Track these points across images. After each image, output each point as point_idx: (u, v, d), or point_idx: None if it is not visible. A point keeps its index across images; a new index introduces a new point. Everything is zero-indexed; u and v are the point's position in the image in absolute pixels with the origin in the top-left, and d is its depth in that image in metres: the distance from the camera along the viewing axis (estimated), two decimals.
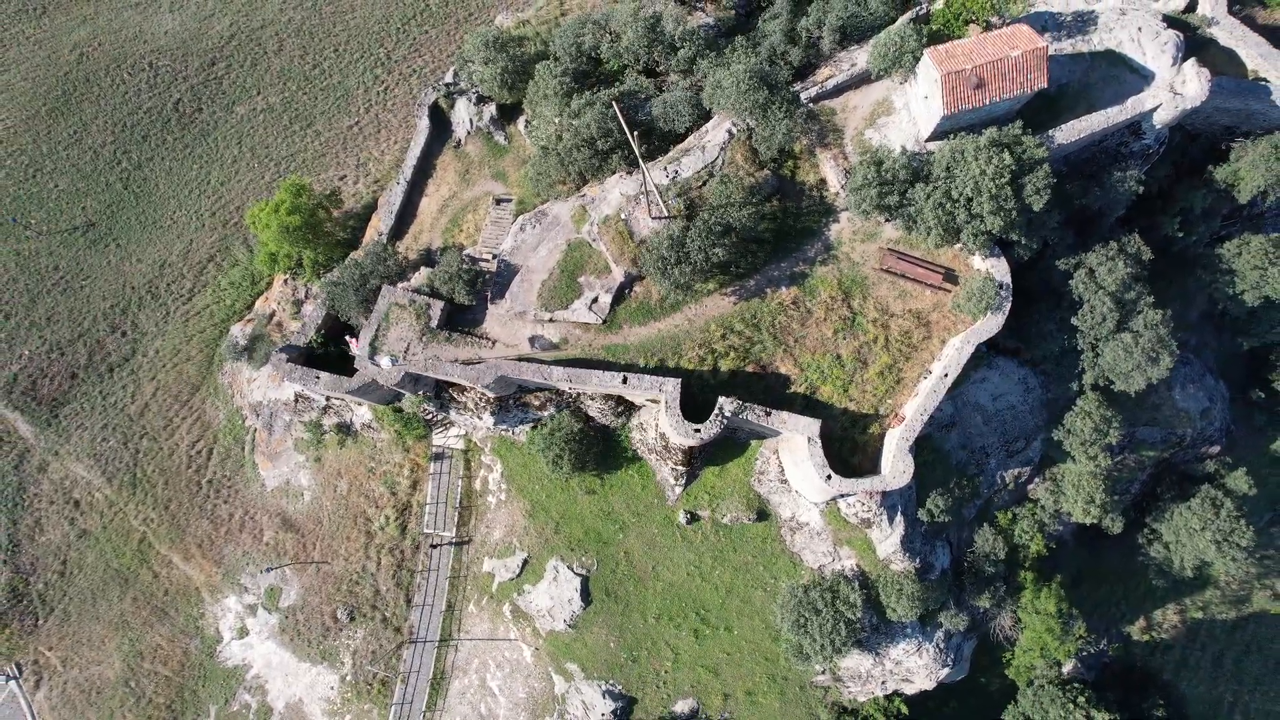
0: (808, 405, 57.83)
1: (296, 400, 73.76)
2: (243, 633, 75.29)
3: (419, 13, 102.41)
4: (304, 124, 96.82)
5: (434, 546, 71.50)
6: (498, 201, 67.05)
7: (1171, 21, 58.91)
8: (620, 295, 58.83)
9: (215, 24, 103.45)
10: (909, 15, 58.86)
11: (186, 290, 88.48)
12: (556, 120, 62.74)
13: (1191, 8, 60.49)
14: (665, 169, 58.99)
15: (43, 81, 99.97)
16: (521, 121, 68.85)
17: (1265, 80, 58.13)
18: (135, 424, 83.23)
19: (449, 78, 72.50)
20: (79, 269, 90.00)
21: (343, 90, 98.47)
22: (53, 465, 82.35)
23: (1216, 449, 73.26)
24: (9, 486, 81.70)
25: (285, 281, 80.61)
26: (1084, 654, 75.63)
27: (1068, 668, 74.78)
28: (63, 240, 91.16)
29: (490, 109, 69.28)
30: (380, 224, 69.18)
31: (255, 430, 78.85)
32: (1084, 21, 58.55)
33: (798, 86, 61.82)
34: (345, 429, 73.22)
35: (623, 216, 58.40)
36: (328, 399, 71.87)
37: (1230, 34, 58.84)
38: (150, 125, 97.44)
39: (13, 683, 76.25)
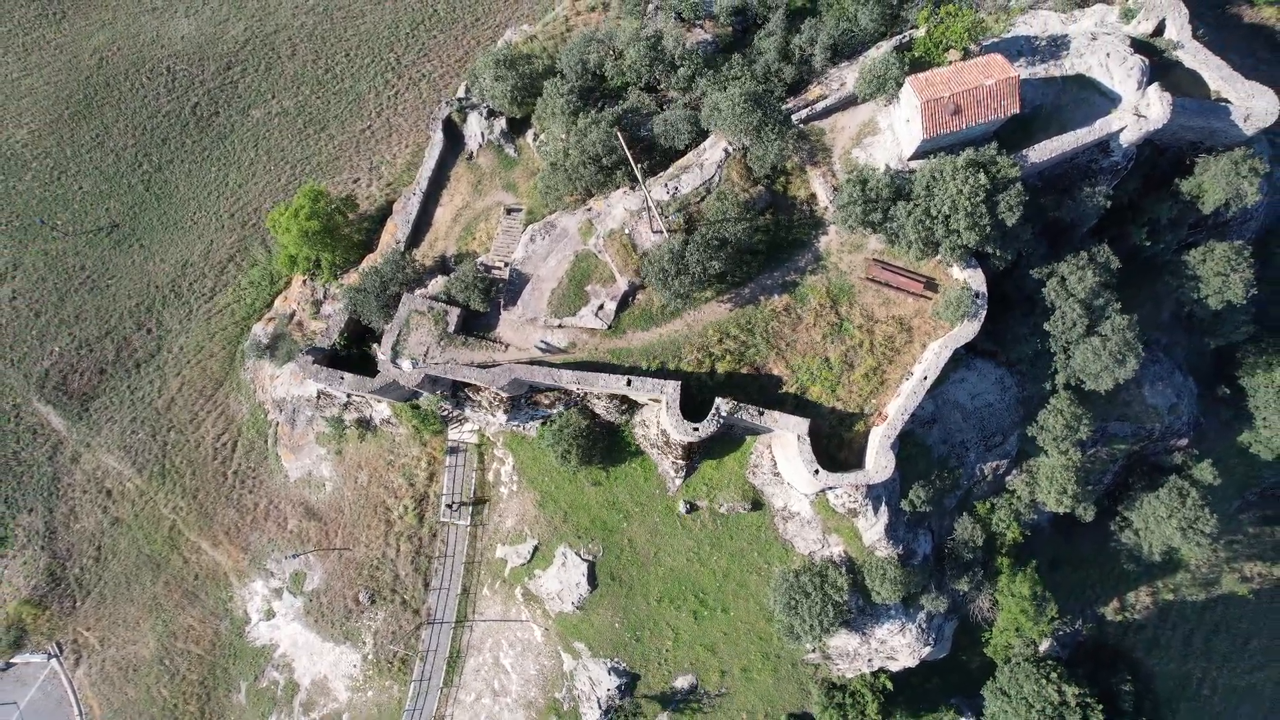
0: (798, 405, 62.10)
1: (319, 397, 78.12)
2: (270, 615, 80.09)
3: (427, 18, 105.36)
4: (318, 127, 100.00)
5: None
6: (509, 211, 70.95)
7: (1140, 45, 62.80)
8: (624, 303, 63.02)
9: (230, 29, 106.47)
10: (893, 43, 62.74)
11: (208, 289, 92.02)
12: (564, 138, 66.66)
13: (1160, 31, 64.31)
14: (666, 185, 63.07)
15: (65, 86, 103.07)
16: (530, 134, 72.53)
17: (1226, 101, 61.98)
18: (162, 417, 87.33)
19: (461, 92, 76.19)
20: (105, 268, 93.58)
21: (354, 94, 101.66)
22: (85, 456, 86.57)
23: (1184, 442, 77.29)
24: (44, 477, 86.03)
25: (304, 282, 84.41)
26: (1059, 633, 79.82)
27: (1044, 646, 78.78)
28: (89, 240, 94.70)
29: (500, 123, 73.00)
30: (398, 232, 73.04)
31: (278, 424, 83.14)
32: (1057, 46, 62.42)
33: (790, 104, 65.76)
34: (365, 424, 77.73)
35: (626, 231, 62.64)
36: (349, 396, 76.21)
37: (1194, 57, 62.64)
38: (169, 128, 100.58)
39: (54, 661, 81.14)
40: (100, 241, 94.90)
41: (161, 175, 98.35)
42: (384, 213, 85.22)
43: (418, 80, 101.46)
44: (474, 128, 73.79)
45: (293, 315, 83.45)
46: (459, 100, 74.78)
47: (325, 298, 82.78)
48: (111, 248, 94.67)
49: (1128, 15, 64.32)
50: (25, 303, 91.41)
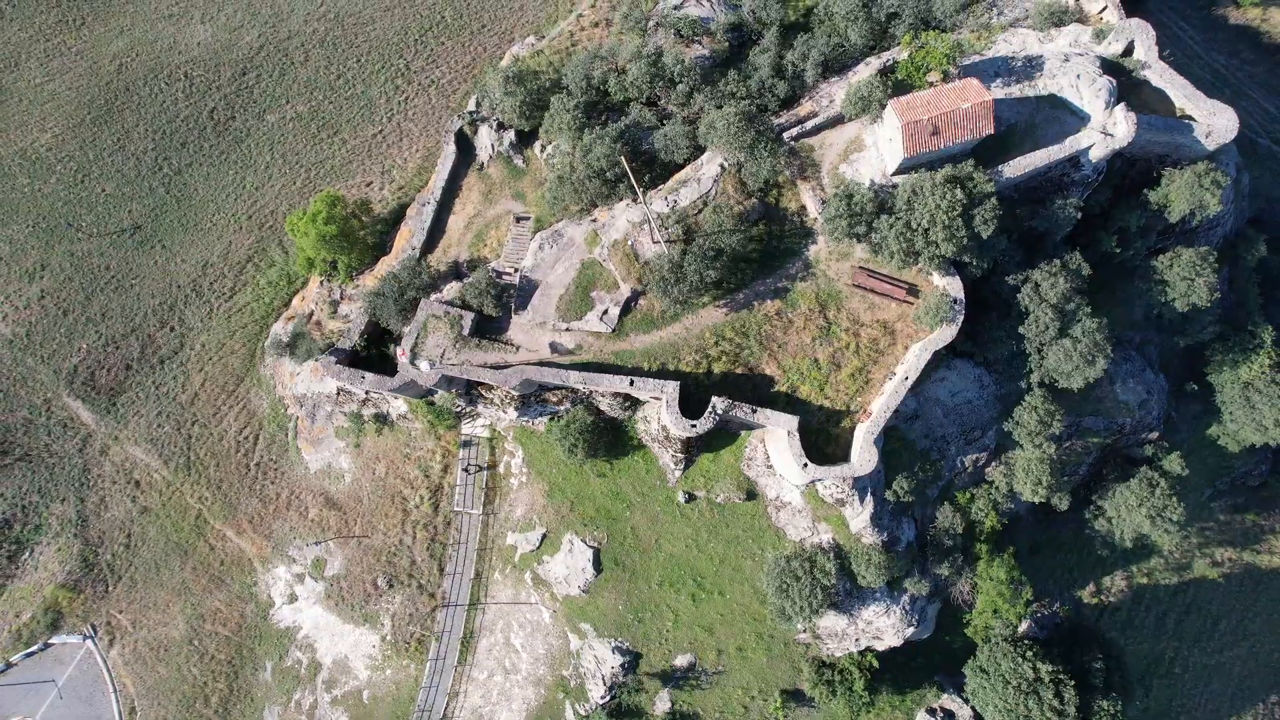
0: (789, 403, 66.48)
1: (338, 393, 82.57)
2: (292, 599, 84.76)
3: (435, 25, 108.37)
4: (331, 132, 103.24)
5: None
6: (518, 219, 75.04)
7: (1110, 66, 66.84)
8: (627, 308, 67.33)
9: (245, 35, 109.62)
10: (877, 66, 66.80)
11: (228, 288, 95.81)
12: (570, 151, 70.74)
13: (1129, 51, 68.32)
14: (666, 198, 67.31)
15: (86, 91, 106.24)
16: (538, 146, 76.53)
17: (1190, 118, 66.10)
18: (187, 411, 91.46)
19: (471, 105, 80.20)
20: (128, 268, 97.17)
21: (366, 100, 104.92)
22: (113, 449, 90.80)
23: (1155, 435, 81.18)
24: (75, 468, 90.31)
25: (321, 283, 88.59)
26: (1038, 615, 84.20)
27: (1022, 628, 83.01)
28: (112, 242, 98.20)
29: (509, 135, 77.02)
30: (413, 238, 77.21)
31: (298, 418, 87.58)
32: (1032, 67, 66.46)
33: (783, 118, 69.84)
34: (382, 419, 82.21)
35: (629, 241, 66.93)
36: (367, 393, 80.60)
37: (1160, 77, 66.73)
38: (188, 132, 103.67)
39: (89, 641, 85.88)
40: (123, 242, 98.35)
41: (181, 178, 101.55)
42: (396, 216, 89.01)
43: (427, 86, 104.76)
44: (484, 139, 77.84)
45: (311, 315, 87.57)
46: (470, 113, 78.83)
47: (342, 298, 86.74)
48: (134, 248, 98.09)
49: (1100, 35, 68.33)
50: (53, 301, 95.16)
